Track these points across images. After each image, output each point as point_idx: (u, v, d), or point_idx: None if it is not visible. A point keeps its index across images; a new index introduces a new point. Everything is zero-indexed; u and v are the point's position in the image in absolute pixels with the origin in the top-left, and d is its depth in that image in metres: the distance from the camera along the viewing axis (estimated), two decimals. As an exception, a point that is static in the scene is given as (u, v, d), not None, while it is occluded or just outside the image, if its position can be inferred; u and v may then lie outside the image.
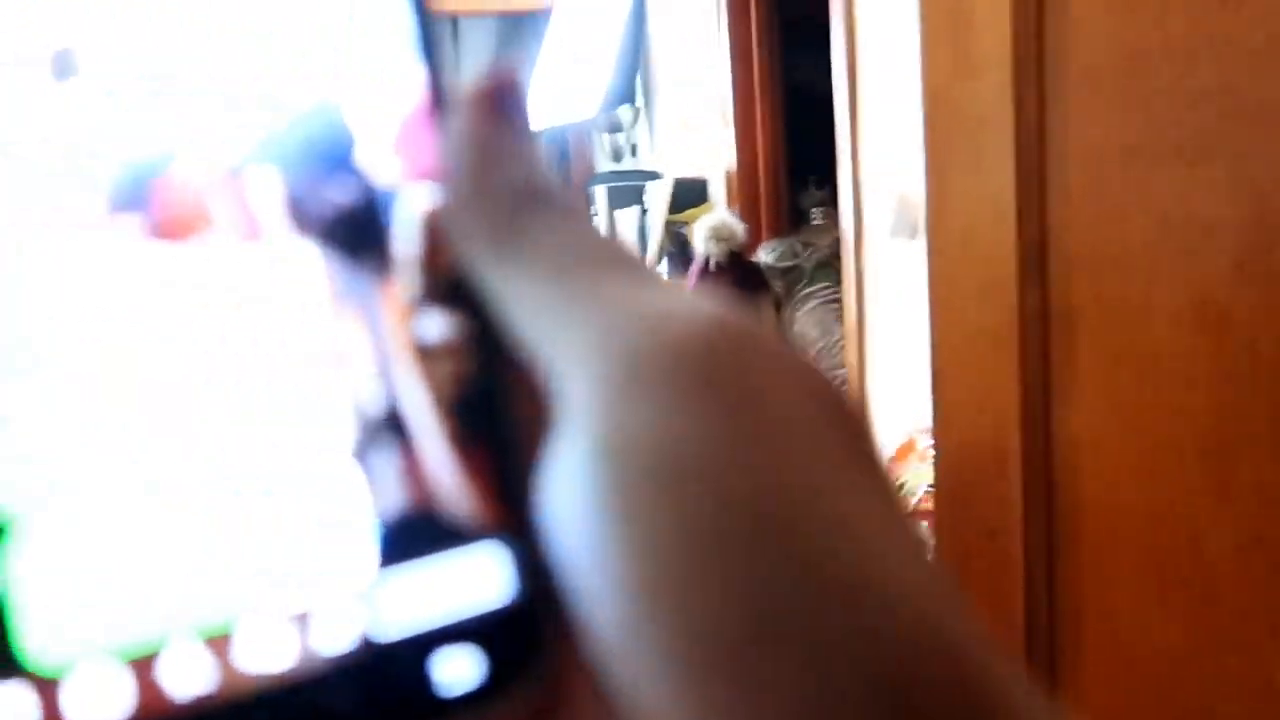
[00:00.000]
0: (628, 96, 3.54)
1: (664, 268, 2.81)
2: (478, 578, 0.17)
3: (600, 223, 3.19)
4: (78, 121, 0.17)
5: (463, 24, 4.17)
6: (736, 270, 2.35)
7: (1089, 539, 0.86)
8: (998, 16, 0.82)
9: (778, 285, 2.37)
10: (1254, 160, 0.71)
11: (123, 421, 0.17)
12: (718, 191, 2.80)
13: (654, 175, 3.49)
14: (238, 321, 0.18)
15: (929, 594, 0.15)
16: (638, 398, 0.15)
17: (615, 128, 3.68)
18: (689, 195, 2.82)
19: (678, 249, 2.82)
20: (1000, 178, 0.84)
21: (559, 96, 3.59)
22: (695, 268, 2.32)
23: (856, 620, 0.14)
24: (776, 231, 2.64)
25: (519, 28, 4.25)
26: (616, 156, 3.73)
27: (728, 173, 2.68)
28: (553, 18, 3.99)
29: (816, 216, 3.06)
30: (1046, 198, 0.83)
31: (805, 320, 2.28)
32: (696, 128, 2.98)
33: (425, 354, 0.18)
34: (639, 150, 3.82)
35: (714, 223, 2.38)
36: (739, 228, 2.38)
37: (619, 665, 0.15)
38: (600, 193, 3.16)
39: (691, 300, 0.17)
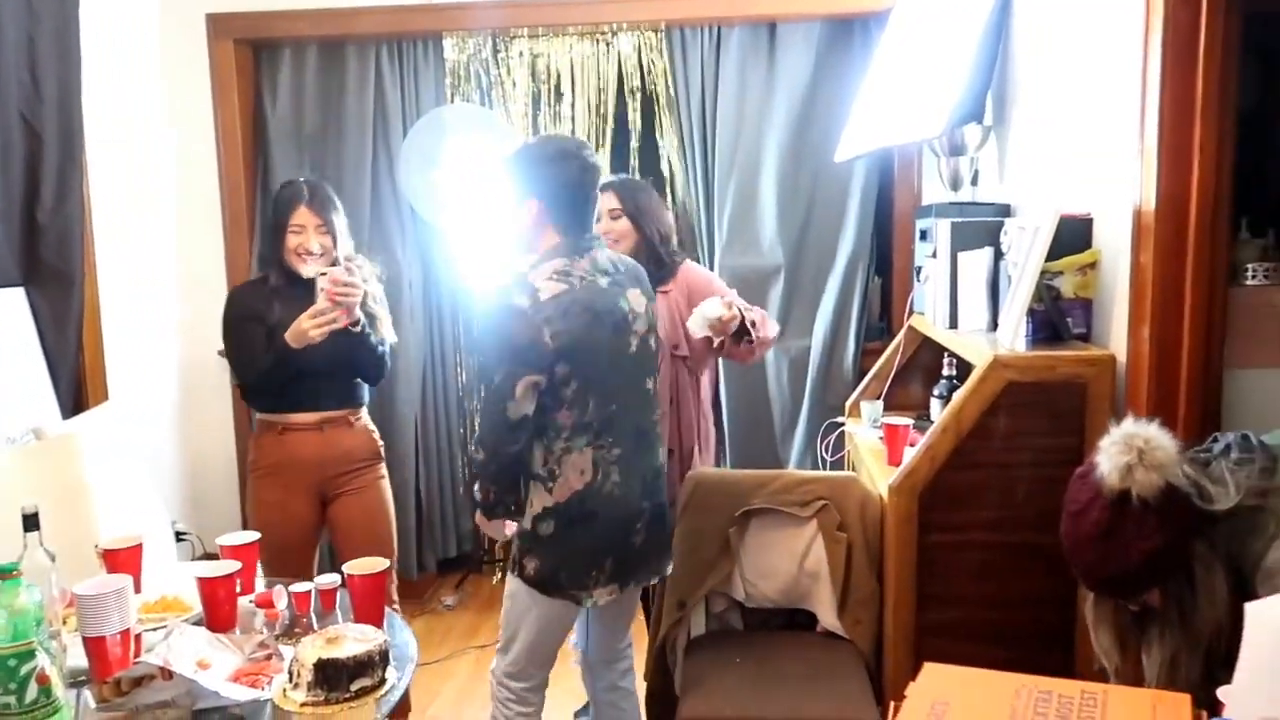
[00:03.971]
0: (975, 113, 2.87)
1: (1026, 330, 2.14)
2: None
3: (940, 264, 2.55)
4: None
5: (781, 29, 3.69)
6: (1168, 515, 1.41)
7: None
8: None
9: (1223, 540, 1.42)
10: None
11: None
12: (1111, 234, 2.10)
13: (1005, 210, 2.81)
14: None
15: None
16: None
17: (956, 150, 3.02)
18: (1062, 238, 2.13)
19: (1049, 305, 2.14)
20: None
21: (897, 111, 3.00)
22: (1099, 501, 1.45)
23: None
24: (1209, 293, 1.88)
25: (847, 32, 3.71)
26: (954, 185, 3.07)
27: (1137, 211, 1.96)
28: (892, 20, 3.41)
29: (1255, 274, 2.24)
30: None
31: None
32: (1085, 152, 2.27)
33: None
34: (981, 178, 3.14)
35: (1134, 435, 1.45)
36: (1171, 446, 1.44)
37: None
38: (943, 229, 2.52)
39: None
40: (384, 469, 2.74)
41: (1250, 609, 1.17)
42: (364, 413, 2.70)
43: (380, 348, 2.61)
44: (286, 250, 2.54)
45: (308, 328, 2.40)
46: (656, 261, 2.54)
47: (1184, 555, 1.42)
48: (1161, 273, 1.91)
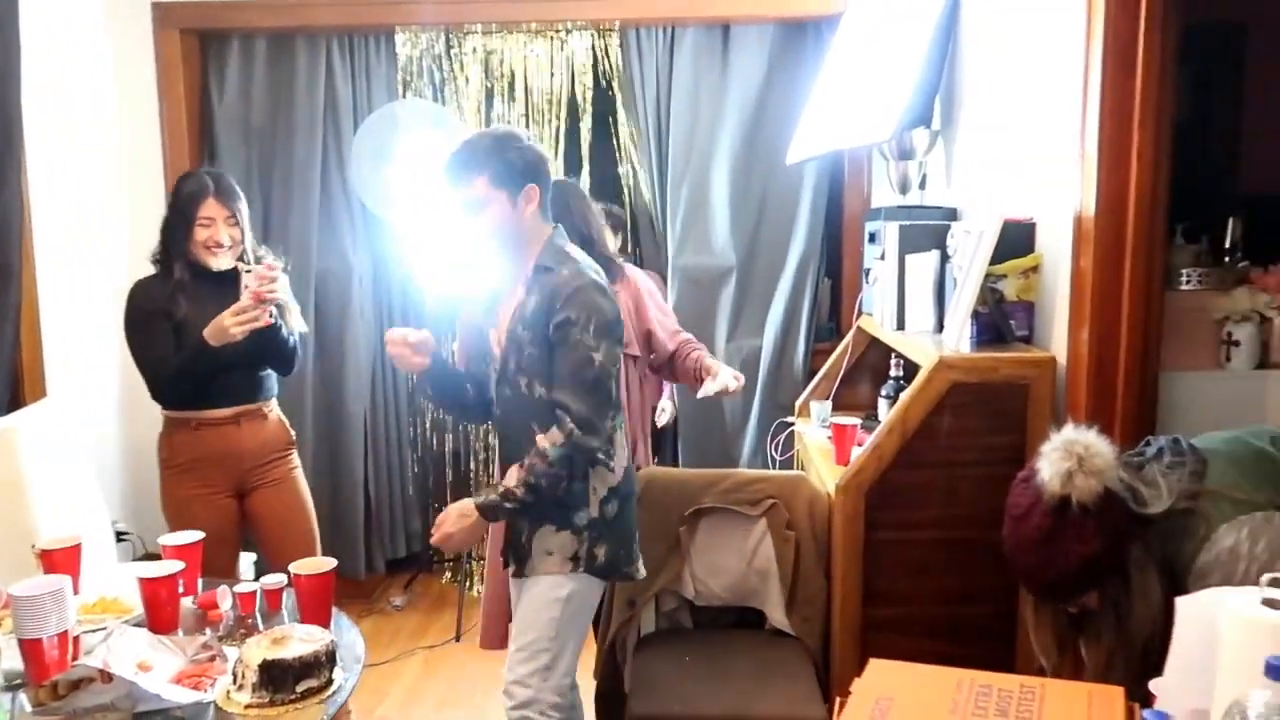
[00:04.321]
0: (923, 118, 2.93)
1: (971, 332, 2.18)
2: None
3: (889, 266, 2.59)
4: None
5: (735, 31, 3.71)
6: (1106, 519, 1.46)
7: None
8: None
9: (1157, 543, 1.47)
10: None
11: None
12: (1053, 239, 2.15)
13: (952, 213, 2.86)
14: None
15: None
16: None
17: (905, 154, 3.07)
18: (1006, 242, 2.18)
19: (993, 308, 2.18)
20: None
21: (848, 114, 3.04)
22: (1040, 507, 1.49)
23: None
24: (1145, 297, 1.94)
25: (799, 35, 3.74)
26: (903, 188, 3.12)
27: (1078, 216, 2.01)
28: (844, 24, 3.45)
29: (1189, 279, 2.31)
30: None
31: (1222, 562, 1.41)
32: (1028, 157, 2.32)
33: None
34: (929, 182, 3.20)
35: (1074, 442, 1.49)
36: (1110, 452, 1.50)
37: None
38: (891, 232, 2.56)
39: None
40: (297, 458, 2.73)
41: (1181, 604, 1.21)
42: (275, 403, 2.69)
43: (291, 339, 2.59)
44: (194, 244, 2.49)
45: (229, 324, 2.36)
46: None
47: (1120, 558, 1.46)
48: (1100, 276, 1.96)
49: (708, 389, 2.59)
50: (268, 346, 2.53)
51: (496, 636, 2.67)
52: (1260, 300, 2.21)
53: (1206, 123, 3.58)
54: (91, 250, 3.50)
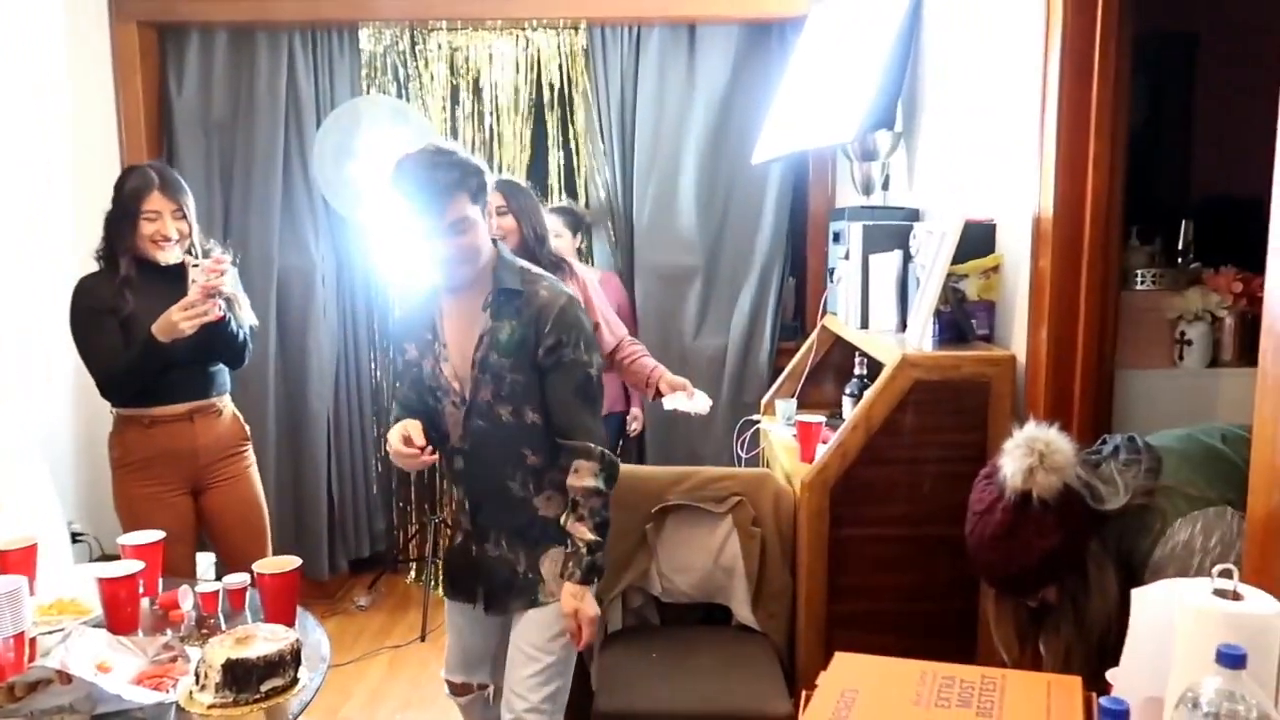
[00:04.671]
0: (886, 120, 2.97)
1: (933, 331, 2.21)
2: None
3: (853, 265, 2.62)
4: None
5: (701, 31, 3.73)
6: (1065, 515, 1.48)
7: None
8: None
9: (1114, 538, 1.51)
10: None
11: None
12: (1013, 239, 2.19)
13: (914, 214, 2.90)
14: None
15: None
16: None
17: (868, 155, 3.11)
18: (968, 242, 2.22)
19: (954, 307, 2.22)
20: None
21: (812, 115, 3.06)
22: (1002, 503, 1.51)
23: None
24: (1102, 297, 1.99)
25: (764, 36, 3.77)
26: (866, 189, 3.16)
27: (1036, 217, 2.05)
28: (809, 26, 3.48)
29: (1144, 279, 2.36)
30: None
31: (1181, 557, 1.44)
32: (988, 160, 2.36)
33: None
34: (891, 183, 3.24)
35: (1035, 439, 1.51)
36: (1070, 449, 1.52)
37: None
38: (855, 232, 2.60)
39: None
40: (252, 454, 2.69)
41: (1136, 595, 1.24)
42: (229, 399, 2.65)
43: (241, 333, 2.55)
44: (140, 238, 2.44)
45: (178, 319, 2.32)
46: (532, 259, 2.55)
47: (1079, 554, 1.49)
48: (1059, 277, 2.00)
49: (685, 404, 2.59)
50: (218, 341, 2.48)
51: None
52: (1212, 300, 2.27)
53: (1160, 129, 3.67)
54: (45, 246, 3.43)
